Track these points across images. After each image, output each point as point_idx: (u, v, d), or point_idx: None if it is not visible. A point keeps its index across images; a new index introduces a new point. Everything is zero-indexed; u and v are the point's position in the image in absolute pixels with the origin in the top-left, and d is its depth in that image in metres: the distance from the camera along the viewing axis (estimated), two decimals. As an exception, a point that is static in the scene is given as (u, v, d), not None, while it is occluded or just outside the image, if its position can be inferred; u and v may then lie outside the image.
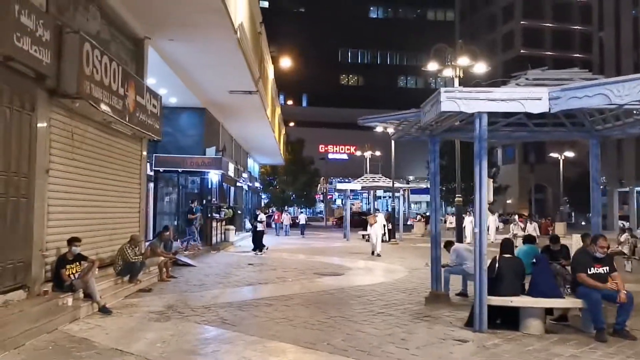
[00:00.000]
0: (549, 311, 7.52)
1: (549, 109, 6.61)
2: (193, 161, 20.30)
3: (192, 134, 20.98)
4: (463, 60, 14.37)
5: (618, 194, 48.48)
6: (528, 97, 6.64)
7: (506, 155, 68.31)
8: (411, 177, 62.39)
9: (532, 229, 26.19)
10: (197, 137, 21.03)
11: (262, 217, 21.17)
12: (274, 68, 29.04)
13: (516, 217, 35.41)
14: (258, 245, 20.10)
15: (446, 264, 10.06)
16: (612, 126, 9.23)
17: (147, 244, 12.73)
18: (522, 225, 27.79)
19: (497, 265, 7.29)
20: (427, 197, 62.77)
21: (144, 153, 13.09)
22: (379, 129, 9.06)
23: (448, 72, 15.22)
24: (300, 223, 35.37)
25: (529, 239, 10.26)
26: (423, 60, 79.71)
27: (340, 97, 73.12)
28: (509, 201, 66.60)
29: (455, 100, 6.70)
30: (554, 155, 47.09)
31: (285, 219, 33.76)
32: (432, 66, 15.58)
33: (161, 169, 20.31)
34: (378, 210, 21.21)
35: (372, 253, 19.09)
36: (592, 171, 9.80)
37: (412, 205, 67.30)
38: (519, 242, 26.19)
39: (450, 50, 15.16)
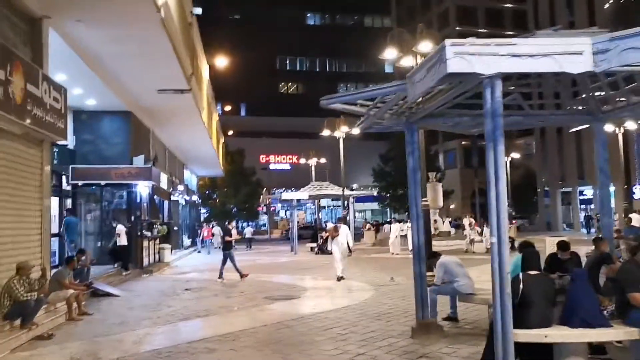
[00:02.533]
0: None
1: (594, 66, 4.76)
2: (118, 172, 17.61)
3: (117, 142, 18.29)
4: (425, 46, 12.69)
5: (561, 194, 48.71)
6: (566, 50, 4.77)
7: (447, 160, 68.22)
8: (355, 185, 60.92)
9: (489, 232, 24.96)
10: (122, 145, 18.35)
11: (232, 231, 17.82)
12: (210, 73, 26.65)
13: (467, 221, 34.39)
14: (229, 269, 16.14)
15: (432, 282, 8.12)
16: (624, 105, 7.59)
17: (53, 273, 10.12)
18: (479, 230, 26.62)
19: (521, 286, 5.34)
20: (371, 205, 61.90)
21: (46, 160, 10.48)
22: (350, 110, 6.95)
23: (408, 61, 13.47)
24: (247, 237, 34.46)
25: (526, 244, 8.45)
26: (363, 67, 79.08)
27: (280, 105, 70.89)
28: (452, 206, 66.33)
29: (466, 57, 4.74)
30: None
31: (217, 235, 28.32)
32: (389, 53, 13.74)
33: (80, 183, 17.51)
34: (342, 219, 18.43)
35: (338, 279, 14.17)
36: (599, 162, 8.13)
37: (357, 214, 65.85)
38: (477, 248, 25.07)
39: (409, 36, 13.46)
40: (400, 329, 7.94)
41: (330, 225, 27.65)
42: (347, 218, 27.07)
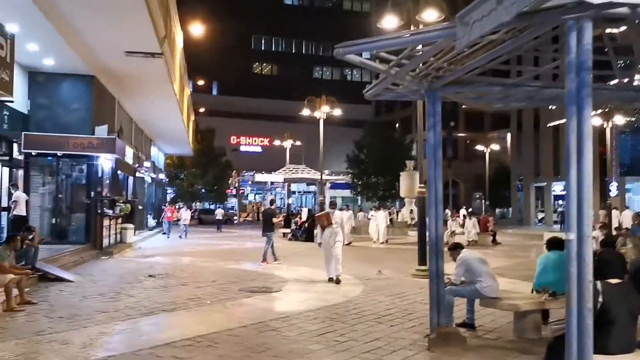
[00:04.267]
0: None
1: None
2: (77, 142, 15.83)
3: (77, 109, 16.47)
4: (430, 14, 11.33)
5: (535, 189, 48.39)
6: None
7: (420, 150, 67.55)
8: (326, 171, 59.59)
9: (472, 225, 24.02)
10: (83, 112, 16.55)
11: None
12: (184, 44, 24.74)
13: (448, 212, 33.48)
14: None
15: (449, 280, 6.83)
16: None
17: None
18: (460, 221, 25.66)
19: (600, 299, 4.06)
20: (342, 192, 60.70)
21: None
22: (365, 61, 5.50)
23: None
24: (217, 218, 33.93)
25: (555, 243, 7.24)
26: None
27: (253, 86, 68.76)
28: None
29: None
30: (479, 148, 45.97)
31: (184, 216, 26.52)
32: (389, 22, 12.31)
33: (33, 152, 15.68)
34: (333, 204, 12.65)
35: (330, 279, 11.24)
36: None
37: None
38: (458, 238, 24.06)
39: (410, 3, 12.07)
40: (409, 336, 6.65)
41: (306, 211, 25.93)
42: (322, 204, 25.76)
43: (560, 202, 47.37)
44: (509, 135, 54.69)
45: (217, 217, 34.33)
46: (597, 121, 26.27)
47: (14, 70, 8.88)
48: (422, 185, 12.60)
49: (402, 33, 4.84)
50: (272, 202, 18.46)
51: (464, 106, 65.58)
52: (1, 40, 8.21)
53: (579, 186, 3.89)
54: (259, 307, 8.65)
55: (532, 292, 7.22)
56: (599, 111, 26.71)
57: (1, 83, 8.29)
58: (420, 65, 5.84)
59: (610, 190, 32.68)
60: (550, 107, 42.56)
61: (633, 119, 32.41)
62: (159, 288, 10.39)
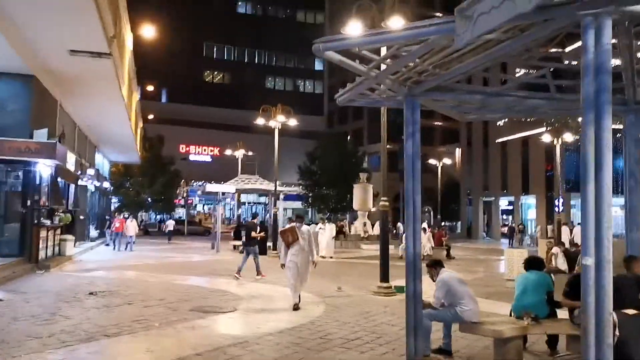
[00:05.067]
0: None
1: None
2: (13, 146, 14.55)
3: (14, 110, 15.21)
4: (396, 22, 10.92)
5: (483, 203, 49.19)
6: None
7: (371, 163, 67.77)
8: (278, 183, 58.84)
9: (426, 239, 23.81)
10: (20, 114, 15.28)
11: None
12: (133, 48, 23.62)
13: (401, 225, 33.40)
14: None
15: (428, 303, 6.30)
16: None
17: None
18: (415, 235, 25.44)
19: (616, 332, 3.60)
20: (293, 204, 59.94)
21: None
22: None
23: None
24: (168, 229, 33.32)
25: (534, 263, 6.86)
26: (292, 62, 77.23)
27: (204, 94, 67.45)
28: (373, 209, 65.91)
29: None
30: (432, 162, 46.34)
31: (130, 227, 24.70)
32: (354, 29, 11.83)
33: (-37, 156, 14.34)
34: (300, 218, 10.62)
35: (295, 307, 9.67)
36: (628, 163, 6.64)
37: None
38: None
39: (375, 10, 11.63)
40: (383, 365, 6.07)
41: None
42: (275, 216, 25.04)
43: (505, 217, 48.41)
44: (457, 150, 55.59)
45: (168, 228, 33.61)
46: (546, 138, 26.79)
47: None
48: (385, 198, 12.15)
49: (391, 28, 4.29)
50: (254, 215, 17.68)
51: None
52: None
53: (597, 204, 3.43)
54: (213, 330, 7.90)
55: (510, 314, 6.81)
56: (549, 128, 27.30)
57: None
58: (403, 68, 5.34)
59: (556, 206, 33.44)
60: (498, 123, 43.60)
61: (578, 137, 33.23)
62: (101, 308, 9.44)
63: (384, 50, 10.07)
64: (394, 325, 8.36)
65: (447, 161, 47.87)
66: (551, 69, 5.98)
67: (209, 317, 8.88)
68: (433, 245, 23.69)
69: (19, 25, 12.13)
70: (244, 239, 15.74)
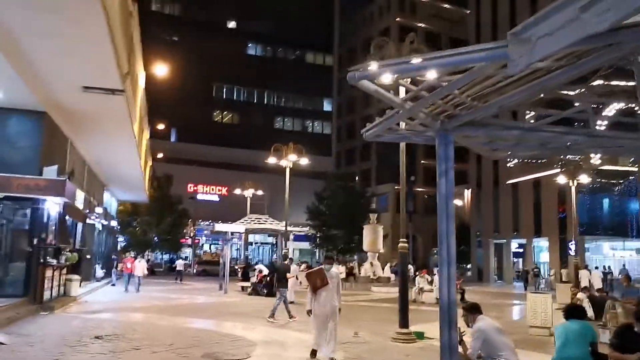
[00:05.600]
0: None
1: None
2: (22, 183, 14.30)
3: (24, 147, 15.04)
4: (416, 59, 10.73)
5: (494, 245, 48.38)
6: None
7: (379, 204, 67.30)
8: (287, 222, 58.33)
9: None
10: (30, 151, 15.11)
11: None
12: (145, 86, 23.66)
13: (412, 267, 32.67)
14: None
15: (463, 354, 5.79)
16: None
17: None
18: (429, 278, 24.77)
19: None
20: (300, 245, 59.22)
21: None
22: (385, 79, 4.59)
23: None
24: (178, 269, 33.14)
25: (575, 311, 6.37)
26: (301, 103, 77.90)
27: (213, 134, 67.82)
28: (381, 250, 65.07)
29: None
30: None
31: (139, 267, 24.10)
32: (370, 69, 11.59)
33: (-29, 193, 14.08)
34: (330, 259, 9.83)
35: (313, 353, 9.02)
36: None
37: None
38: (425, 297, 23.13)
39: (391, 45, 11.47)
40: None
41: (301, 267, 24.57)
42: (286, 257, 24.49)
43: (515, 259, 47.50)
44: (466, 192, 55.12)
45: (177, 268, 33.46)
46: (561, 179, 26.38)
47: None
48: (404, 240, 11.70)
49: (436, 54, 3.97)
50: (285, 256, 17.35)
51: (422, 161, 65.70)
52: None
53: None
54: (227, 379, 7.37)
55: (551, 367, 6.28)
56: (562, 169, 26.94)
57: None
58: (439, 100, 5.02)
59: (569, 249, 32.75)
60: (509, 165, 43.31)
61: (591, 179, 32.85)
62: (107, 354, 8.93)
63: (402, 92, 9.85)
64: (420, 376, 7.81)
65: (457, 202, 47.32)
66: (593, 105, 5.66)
67: (221, 365, 8.36)
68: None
69: (32, 61, 12.04)
70: (275, 281, 15.59)
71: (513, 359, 5.68)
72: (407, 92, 4.82)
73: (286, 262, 16.17)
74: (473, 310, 6.12)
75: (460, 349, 5.60)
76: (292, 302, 18.34)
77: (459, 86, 4.45)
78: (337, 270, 10.16)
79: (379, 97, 4.81)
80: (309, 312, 9.11)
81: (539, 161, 39.69)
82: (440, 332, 5.49)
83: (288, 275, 14.63)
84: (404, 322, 11.05)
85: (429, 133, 5.99)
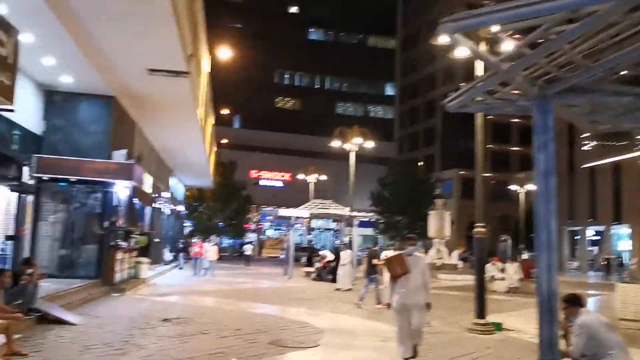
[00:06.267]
0: None
1: None
2: (92, 167, 14.53)
3: (94, 131, 15.25)
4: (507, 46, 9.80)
5: (568, 232, 46.09)
6: None
7: (443, 190, 65.62)
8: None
9: (514, 270, 22.12)
10: (100, 135, 15.31)
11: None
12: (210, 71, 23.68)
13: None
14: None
15: (565, 351, 5.12)
16: None
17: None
18: (501, 266, 23.68)
19: None
20: (363, 231, 58.56)
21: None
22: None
23: (463, 50, 10.55)
24: (246, 254, 34.22)
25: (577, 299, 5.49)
26: (363, 87, 76.88)
27: (275, 120, 68.18)
28: (448, 237, 63.43)
29: None
30: (513, 187, 44.05)
31: (211, 252, 23.94)
32: (460, 51, 10.69)
33: (45, 176, 14.40)
34: (412, 239, 7.89)
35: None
36: None
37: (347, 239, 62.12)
38: (497, 286, 22.11)
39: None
40: None
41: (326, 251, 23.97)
42: (350, 243, 24.08)
43: (590, 247, 45.02)
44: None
45: (245, 253, 34.45)
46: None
47: (16, 74, 7.53)
48: (481, 224, 10.96)
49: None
50: (375, 243, 17.29)
51: (488, 145, 63.88)
52: (2, 35, 6.92)
53: None
54: (297, 369, 7.00)
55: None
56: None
57: (3, 89, 6.93)
58: (544, 58, 4.34)
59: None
60: (585, 148, 40.98)
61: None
62: (174, 337, 8.78)
63: (480, 69, 8.94)
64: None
65: (529, 187, 45.35)
66: None
67: (290, 353, 8.01)
68: (521, 277, 21.93)
69: (99, 44, 12.03)
70: (365, 267, 15.34)
71: (623, 357, 4.96)
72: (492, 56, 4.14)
73: (376, 248, 16.13)
74: (574, 302, 5.42)
75: (561, 345, 4.93)
76: (349, 289, 17.94)
77: (572, 38, 3.77)
78: (423, 255, 8.29)
79: (475, 54, 4.21)
80: (388, 305, 7.76)
81: (618, 143, 37.28)
82: (539, 327, 4.85)
83: (375, 261, 14.35)
84: (481, 313, 10.36)
85: (521, 102, 5.33)
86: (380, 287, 14.16)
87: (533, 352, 8.76)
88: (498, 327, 10.67)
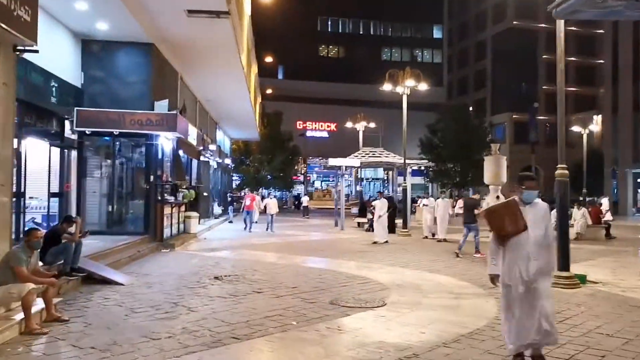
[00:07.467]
0: None
1: None
2: (134, 119, 13.84)
3: (134, 82, 14.51)
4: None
5: (632, 175, 43.48)
6: None
7: (494, 135, 62.93)
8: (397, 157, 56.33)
9: (581, 215, 20.64)
10: (141, 85, 14.57)
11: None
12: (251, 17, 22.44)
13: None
14: None
15: None
16: None
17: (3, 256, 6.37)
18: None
19: None
20: (413, 180, 57.16)
21: (11, 75, 6.66)
22: None
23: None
24: (304, 205, 34.57)
25: None
26: (409, 32, 73.79)
27: (319, 69, 66.43)
28: (505, 182, 61.13)
29: None
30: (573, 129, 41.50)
31: (271, 205, 22.69)
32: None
33: (87, 130, 13.85)
34: (530, 179, 4.71)
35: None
36: None
37: (398, 189, 60.74)
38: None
39: None
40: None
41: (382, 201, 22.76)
42: (405, 191, 22.95)
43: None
44: (594, 118, 49.68)
45: (303, 204, 34.88)
46: None
47: (37, 9, 6.64)
48: (563, 166, 9.68)
49: None
50: (475, 192, 16.42)
51: (544, 86, 60.36)
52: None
53: None
54: (366, 334, 6.12)
55: None
56: None
57: (17, 22, 6.06)
58: None
59: None
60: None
61: None
62: (227, 298, 8.07)
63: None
64: (609, 334, 6.12)
65: (592, 128, 42.69)
66: None
67: (355, 313, 7.15)
68: (590, 223, 20.46)
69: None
70: (465, 216, 14.64)
71: None
72: None
73: (476, 196, 15.28)
74: None
75: None
76: (385, 242, 16.85)
77: None
78: (543, 203, 5.00)
79: None
80: (492, 278, 5.02)
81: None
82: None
83: (476, 210, 13.79)
84: (564, 264, 9.23)
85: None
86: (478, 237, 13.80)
87: (633, 308, 7.67)
88: (583, 279, 9.57)
